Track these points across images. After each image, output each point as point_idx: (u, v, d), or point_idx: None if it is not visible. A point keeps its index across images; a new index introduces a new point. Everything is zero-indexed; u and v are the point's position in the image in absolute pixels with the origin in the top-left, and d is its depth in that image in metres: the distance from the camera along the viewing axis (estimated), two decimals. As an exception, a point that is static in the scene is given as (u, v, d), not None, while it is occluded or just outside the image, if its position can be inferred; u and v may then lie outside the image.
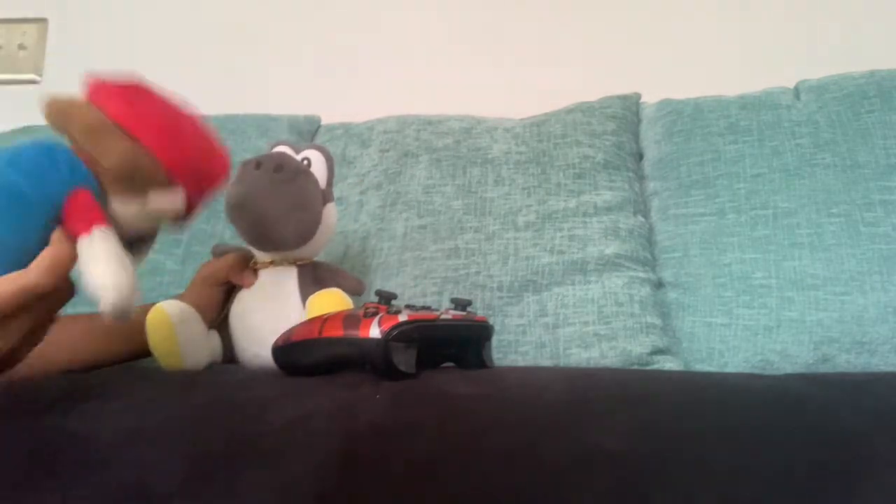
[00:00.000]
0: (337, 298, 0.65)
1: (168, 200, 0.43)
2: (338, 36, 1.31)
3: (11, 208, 0.40)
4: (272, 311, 0.66)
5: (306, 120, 1.15)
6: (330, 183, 0.72)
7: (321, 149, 0.72)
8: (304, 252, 0.70)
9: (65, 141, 0.42)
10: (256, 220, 0.66)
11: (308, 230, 0.68)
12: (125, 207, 0.43)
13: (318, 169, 0.71)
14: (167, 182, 0.43)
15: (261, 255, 0.70)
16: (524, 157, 0.95)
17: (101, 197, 0.42)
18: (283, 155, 0.69)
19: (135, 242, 0.46)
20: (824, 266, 0.79)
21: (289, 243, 0.68)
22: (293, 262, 0.69)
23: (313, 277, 0.69)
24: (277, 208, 0.65)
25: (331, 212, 0.72)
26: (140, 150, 0.41)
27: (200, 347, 0.65)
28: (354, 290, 0.72)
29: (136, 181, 0.42)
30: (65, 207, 0.40)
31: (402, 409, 0.39)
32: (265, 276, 0.69)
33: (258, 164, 0.66)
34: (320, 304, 0.64)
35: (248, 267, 0.70)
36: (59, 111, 0.40)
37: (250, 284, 0.69)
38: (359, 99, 1.25)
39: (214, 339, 0.68)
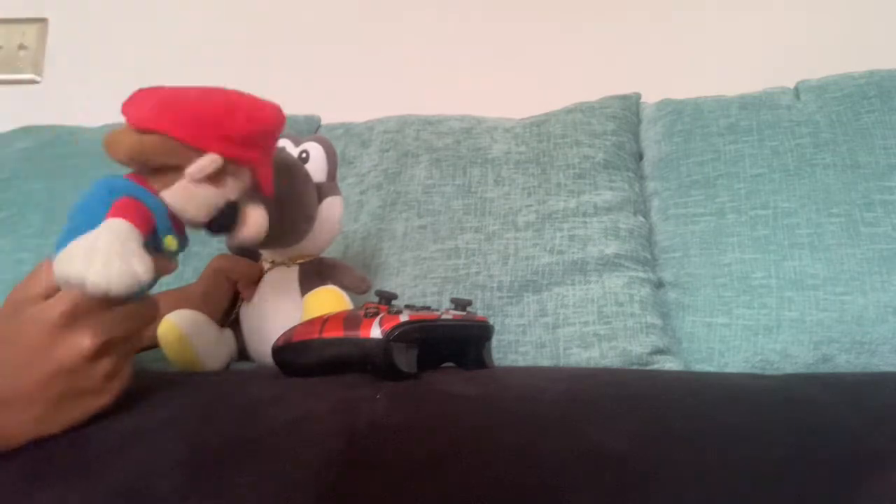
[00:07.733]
0: (332, 296, 0.63)
1: (200, 167, 0.43)
2: (338, 36, 1.31)
3: None
4: (274, 310, 0.66)
5: (306, 120, 1.15)
6: (332, 176, 0.70)
7: (321, 140, 0.70)
8: (304, 249, 0.68)
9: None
10: None
11: (299, 227, 0.66)
12: (173, 194, 0.44)
13: (317, 162, 0.68)
14: (191, 151, 0.43)
15: (265, 255, 0.70)
16: (524, 157, 0.95)
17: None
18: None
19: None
20: (824, 266, 0.79)
21: (280, 241, 0.65)
22: (295, 261, 0.69)
23: (316, 274, 0.68)
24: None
25: (332, 207, 0.69)
26: (147, 138, 0.43)
27: (217, 349, 0.66)
28: (357, 288, 0.70)
29: (152, 161, 0.43)
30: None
31: (402, 409, 0.39)
32: (270, 275, 0.69)
33: None
34: (315, 302, 0.62)
35: (255, 282, 0.69)
36: (105, 146, 0.43)
37: (248, 298, 0.69)
38: (359, 99, 1.25)
39: (229, 338, 0.69)
